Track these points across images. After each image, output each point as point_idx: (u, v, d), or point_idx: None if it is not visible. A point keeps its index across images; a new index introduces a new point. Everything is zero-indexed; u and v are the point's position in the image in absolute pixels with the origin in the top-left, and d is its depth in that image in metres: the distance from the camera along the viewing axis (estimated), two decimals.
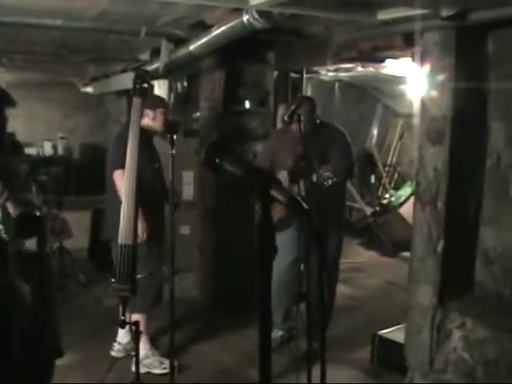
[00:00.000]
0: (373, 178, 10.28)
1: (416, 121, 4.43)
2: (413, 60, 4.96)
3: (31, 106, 10.81)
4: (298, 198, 1.93)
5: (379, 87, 9.51)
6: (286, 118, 4.53)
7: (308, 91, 8.55)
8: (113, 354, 4.71)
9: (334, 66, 7.48)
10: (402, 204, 8.52)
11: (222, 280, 6.02)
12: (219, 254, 6.10)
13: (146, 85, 3.56)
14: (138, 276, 3.32)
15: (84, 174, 11.26)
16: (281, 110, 7.67)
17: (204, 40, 4.94)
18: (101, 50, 7.16)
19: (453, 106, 3.87)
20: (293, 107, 4.47)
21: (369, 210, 9.32)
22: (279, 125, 7.25)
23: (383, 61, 6.47)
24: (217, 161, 1.62)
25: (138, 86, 3.52)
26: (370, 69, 7.43)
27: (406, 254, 5.86)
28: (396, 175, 10.42)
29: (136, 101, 3.51)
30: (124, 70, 8.59)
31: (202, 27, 5.00)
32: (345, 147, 4.78)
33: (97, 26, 5.17)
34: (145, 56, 7.05)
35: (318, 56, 6.17)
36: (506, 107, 3.89)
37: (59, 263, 6.28)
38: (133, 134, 3.39)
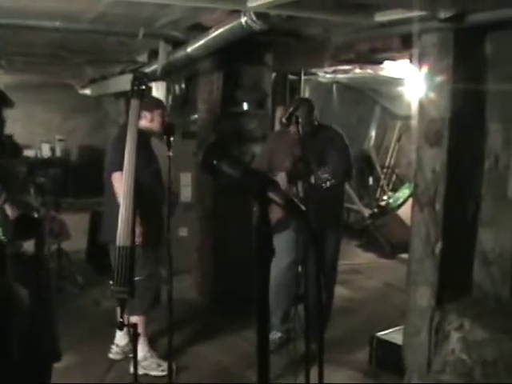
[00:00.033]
0: (371, 180, 10.29)
1: (414, 122, 4.44)
2: (411, 62, 4.95)
3: (29, 108, 10.80)
4: (296, 199, 1.93)
5: (377, 89, 9.52)
6: (283, 119, 4.53)
7: (306, 93, 8.55)
8: (111, 356, 4.70)
9: (332, 68, 7.49)
10: (400, 206, 8.52)
11: (220, 281, 6.02)
12: (217, 256, 6.11)
13: (143, 87, 3.57)
14: (136, 278, 3.32)
15: (82, 176, 11.24)
16: (279, 112, 7.68)
17: (202, 42, 4.94)
18: (99, 52, 7.16)
19: (451, 108, 3.88)
20: (291, 109, 4.47)
21: (367, 212, 9.32)
22: (277, 127, 7.25)
23: (381, 63, 6.48)
24: (214, 163, 1.63)
25: (136, 88, 3.52)
26: (368, 70, 7.43)
27: (404, 255, 5.85)
28: (394, 177, 10.43)
29: (134, 103, 3.51)
30: (122, 72, 8.59)
31: (200, 29, 5.00)
32: (343, 149, 4.78)
33: (95, 28, 5.18)
34: (143, 58, 7.05)
35: (316, 58, 6.18)
36: (504, 108, 3.89)
37: (57, 265, 6.28)
38: (131, 135, 3.39)
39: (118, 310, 3.27)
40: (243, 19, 4.03)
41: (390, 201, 8.91)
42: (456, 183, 3.97)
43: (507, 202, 3.89)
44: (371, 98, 9.99)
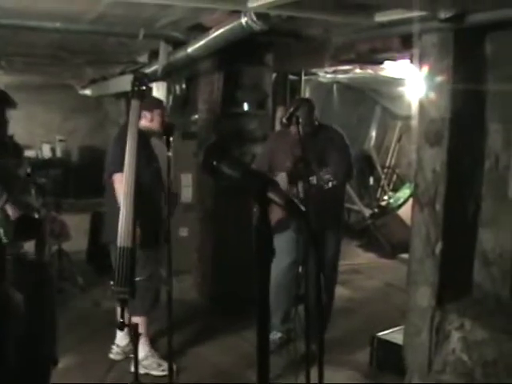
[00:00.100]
0: (371, 180, 10.29)
1: (414, 123, 4.44)
2: (411, 62, 4.96)
3: (30, 109, 10.80)
4: (296, 200, 1.93)
5: (377, 89, 9.52)
6: (284, 120, 4.53)
7: (306, 93, 8.55)
8: (111, 356, 4.71)
9: (332, 68, 7.49)
10: (400, 206, 8.53)
11: (220, 282, 6.02)
12: (217, 256, 6.11)
13: (144, 87, 3.57)
14: (137, 279, 3.32)
15: (83, 177, 11.25)
16: (279, 112, 7.67)
17: (202, 42, 4.95)
18: (99, 53, 7.17)
19: (451, 108, 3.88)
20: (291, 109, 4.47)
21: (367, 212, 9.32)
22: (278, 127, 7.25)
23: (381, 63, 6.48)
24: (214, 163, 1.63)
25: (136, 89, 3.52)
26: (369, 71, 7.43)
27: (405, 255, 5.85)
28: (394, 177, 10.43)
29: (134, 103, 3.51)
30: (122, 73, 8.60)
31: (200, 29, 5.00)
32: (343, 149, 4.78)
33: (95, 29, 5.18)
34: (143, 58, 7.05)
35: (316, 58, 6.18)
36: (504, 108, 3.89)
37: (58, 266, 6.27)
38: (131, 136, 3.39)
39: (119, 310, 3.27)
40: (243, 20, 4.03)
41: (391, 201, 8.91)
42: (456, 183, 3.97)
43: (507, 202, 3.89)
44: (371, 98, 9.99)
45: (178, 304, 4.42)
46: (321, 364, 2.51)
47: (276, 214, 4.13)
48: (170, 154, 3.92)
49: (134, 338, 3.31)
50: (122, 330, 3.53)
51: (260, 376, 1.57)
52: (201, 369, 4.64)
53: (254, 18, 3.96)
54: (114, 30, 5.23)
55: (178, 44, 5.50)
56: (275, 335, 4.87)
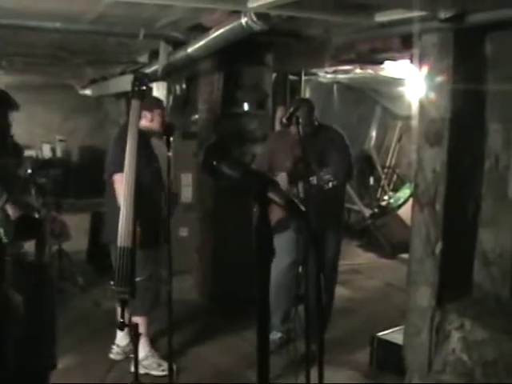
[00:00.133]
0: (371, 180, 10.29)
1: (414, 123, 4.44)
2: (411, 62, 4.96)
3: (30, 109, 10.76)
4: (296, 200, 1.93)
5: (378, 89, 9.52)
6: (284, 120, 4.53)
7: (306, 93, 8.55)
8: (111, 356, 4.71)
9: (333, 68, 7.49)
10: (400, 206, 8.53)
11: (220, 282, 6.02)
12: (218, 256, 6.11)
13: (144, 87, 3.57)
14: (137, 279, 3.32)
15: (83, 177, 11.24)
16: (279, 112, 7.67)
17: (202, 42, 4.95)
18: (99, 53, 7.17)
19: (451, 108, 3.88)
20: (291, 109, 4.47)
21: (367, 212, 9.33)
22: (278, 127, 7.25)
23: (381, 63, 6.48)
24: (214, 163, 1.63)
25: (136, 89, 3.52)
26: (369, 71, 7.44)
27: (405, 255, 5.85)
28: (395, 177, 10.43)
29: (134, 103, 3.51)
30: (122, 73, 8.60)
31: (201, 30, 5.00)
32: (343, 149, 4.78)
33: (95, 29, 5.18)
34: (143, 58, 7.06)
35: (317, 58, 6.18)
36: (504, 109, 3.90)
37: (58, 266, 6.27)
38: (131, 136, 3.39)
39: (119, 310, 3.27)
40: (243, 20, 4.03)
41: (391, 201, 8.92)
42: (456, 183, 3.97)
43: (507, 202, 3.89)
44: (372, 98, 10.00)
45: (178, 304, 4.42)
46: (321, 364, 2.51)
47: (276, 214, 4.14)
48: (171, 154, 3.93)
49: (134, 338, 3.31)
50: (122, 330, 3.53)
51: (260, 376, 1.57)
52: (201, 369, 4.64)
53: (254, 18, 3.96)
54: (114, 30, 5.23)
55: (178, 44, 5.50)
56: (275, 335, 4.88)
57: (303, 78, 8.19)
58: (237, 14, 4.12)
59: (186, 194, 7.04)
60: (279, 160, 4.71)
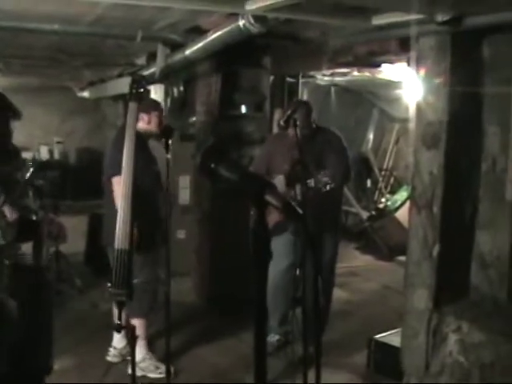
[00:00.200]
0: (369, 183, 10.30)
1: (412, 125, 4.44)
2: (408, 65, 4.96)
3: (28, 111, 10.67)
4: (293, 202, 1.94)
5: (375, 92, 9.53)
6: (282, 122, 4.52)
7: (304, 96, 8.56)
8: (108, 358, 4.70)
9: (330, 71, 7.49)
10: (397, 208, 8.54)
11: (218, 284, 6.02)
12: (215, 258, 6.11)
13: (142, 89, 3.56)
14: (135, 281, 3.31)
15: (81, 179, 11.25)
16: (277, 115, 7.68)
17: (200, 45, 4.95)
18: (97, 55, 7.17)
19: (448, 111, 3.89)
20: (289, 112, 4.47)
21: (365, 215, 9.33)
22: (275, 129, 7.25)
23: (379, 65, 6.49)
24: (212, 166, 1.63)
25: (134, 91, 3.51)
26: (366, 73, 7.44)
27: (402, 258, 5.87)
28: (392, 179, 10.44)
29: (132, 105, 3.50)
30: (120, 75, 8.60)
31: (198, 32, 5.01)
32: (341, 151, 4.78)
33: (93, 31, 5.18)
34: (141, 61, 7.05)
35: (314, 60, 6.19)
36: (501, 111, 3.91)
37: (56, 268, 6.27)
38: (129, 138, 3.38)
39: (116, 312, 3.26)
40: (241, 22, 4.03)
41: (388, 203, 8.92)
42: (453, 186, 3.98)
43: (504, 204, 3.90)
44: (369, 101, 10.01)
45: (176, 306, 4.42)
46: (318, 366, 2.52)
47: (274, 217, 4.14)
48: (169, 156, 3.93)
49: (132, 340, 3.30)
50: (119, 332, 3.52)
51: (257, 378, 1.58)
52: (198, 370, 4.64)
53: (252, 21, 3.97)
54: (112, 32, 5.24)
55: (176, 46, 5.50)
56: (273, 338, 4.87)
57: (301, 80, 8.19)
58: (235, 16, 4.12)
59: (184, 196, 7.04)
60: (277, 162, 4.71)
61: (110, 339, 4.74)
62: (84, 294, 6.33)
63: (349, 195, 9.21)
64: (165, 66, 5.82)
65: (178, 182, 6.93)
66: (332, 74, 7.89)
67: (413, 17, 3.71)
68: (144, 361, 4.50)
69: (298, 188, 4.28)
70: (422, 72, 4.06)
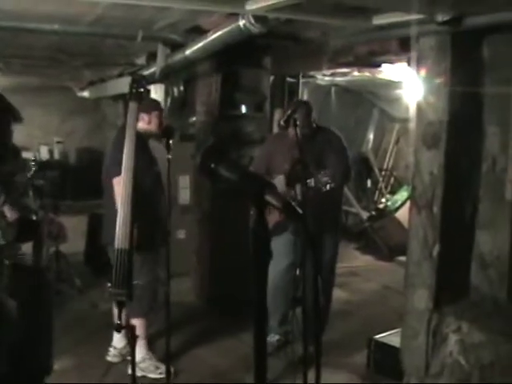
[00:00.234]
0: (369, 183, 10.30)
1: (412, 125, 4.44)
2: (409, 65, 4.96)
3: (28, 111, 10.71)
4: (294, 202, 1.94)
5: (375, 92, 9.53)
6: (282, 122, 4.52)
7: (304, 96, 8.56)
8: (108, 358, 4.70)
9: (330, 71, 7.49)
10: (398, 208, 8.53)
11: (217, 284, 6.02)
12: (215, 258, 6.11)
13: (142, 89, 3.56)
14: (135, 282, 3.31)
15: (80, 179, 11.24)
16: (277, 115, 7.68)
17: (200, 45, 4.95)
18: (97, 55, 7.16)
19: (448, 111, 3.89)
20: (289, 111, 4.47)
21: (365, 215, 9.33)
22: (275, 129, 7.25)
23: (379, 65, 6.49)
24: (212, 166, 1.63)
25: (134, 91, 3.51)
26: (366, 73, 7.44)
27: (402, 258, 5.86)
28: (392, 179, 10.44)
29: (132, 105, 3.50)
30: (120, 75, 8.59)
31: (198, 32, 5.01)
32: (341, 151, 4.78)
33: (93, 31, 5.18)
34: (141, 60, 7.05)
35: (315, 61, 6.18)
36: (502, 111, 3.90)
37: (55, 268, 6.27)
38: (129, 138, 3.38)
39: (116, 312, 3.26)
40: (241, 22, 4.03)
41: (388, 203, 8.92)
42: (454, 186, 3.98)
43: (505, 204, 3.90)
44: (369, 101, 10.00)
45: (176, 306, 4.42)
46: (318, 366, 2.51)
47: (274, 217, 4.14)
48: (170, 156, 3.93)
49: (132, 340, 3.30)
50: (119, 332, 3.52)
51: (257, 378, 1.57)
52: (198, 371, 4.63)
53: (252, 21, 3.96)
54: (112, 32, 5.23)
55: (176, 46, 5.50)
56: (273, 338, 4.87)
57: (301, 80, 8.19)
58: (235, 16, 4.12)
59: (184, 196, 7.04)
60: (277, 162, 4.71)
61: (110, 339, 4.73)
62: (84, 293, 6.33)
63: (349, 195, 9.21)
64: (165, 65, 5.82)
65: (177, 182, 6.92)
66: (332, 74, 7.89)
67: (413, 17, 3.71)
68: (144, 361, 4.49)
69: (298, 188, 4.28)
70: (423, 72, 4.06)
